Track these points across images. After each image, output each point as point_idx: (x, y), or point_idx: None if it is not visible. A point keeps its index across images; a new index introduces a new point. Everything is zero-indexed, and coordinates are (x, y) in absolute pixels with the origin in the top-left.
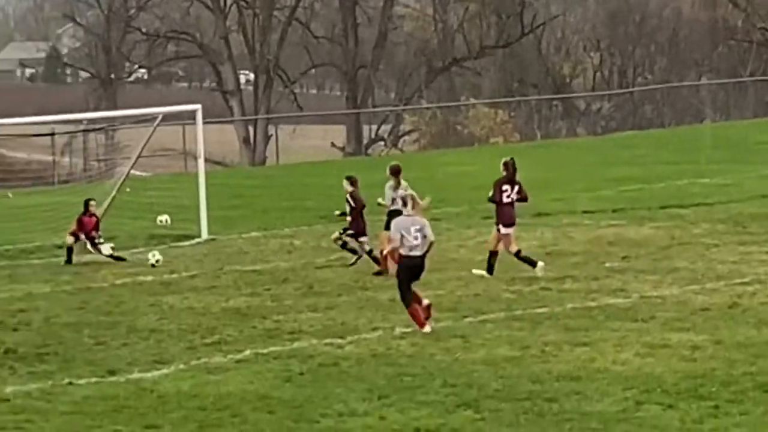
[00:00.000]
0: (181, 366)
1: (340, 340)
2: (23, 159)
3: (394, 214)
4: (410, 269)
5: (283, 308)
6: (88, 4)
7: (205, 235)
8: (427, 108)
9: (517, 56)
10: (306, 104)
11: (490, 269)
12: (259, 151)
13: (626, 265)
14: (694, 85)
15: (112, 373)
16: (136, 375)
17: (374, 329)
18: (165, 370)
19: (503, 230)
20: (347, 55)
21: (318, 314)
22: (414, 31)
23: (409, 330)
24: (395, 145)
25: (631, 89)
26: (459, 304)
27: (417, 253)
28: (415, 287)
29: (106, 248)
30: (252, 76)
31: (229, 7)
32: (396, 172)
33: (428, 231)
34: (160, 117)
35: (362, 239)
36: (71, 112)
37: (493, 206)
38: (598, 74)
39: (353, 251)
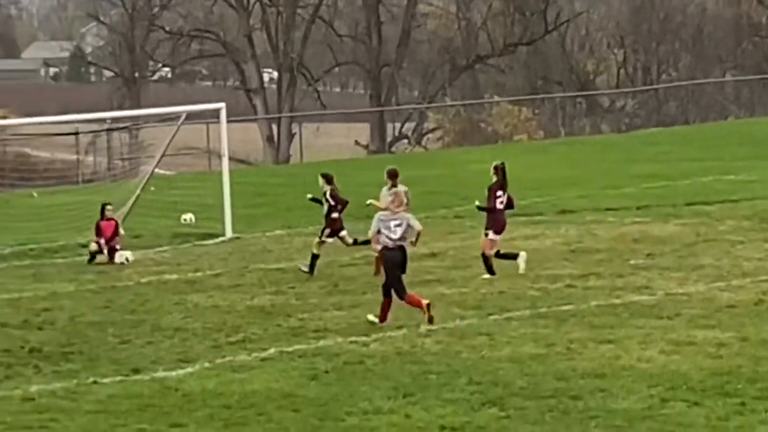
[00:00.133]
0: (206, 364)
1: (365, 338)
2: (47, 158)
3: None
4: (392, 261)
5: (308, 306)
6: (112, 3)
7: (229, 233)
8: (451, 106)
9: (541, 53)
10: (329, 102)
11: (490, 271)
12: (282, 149)
13: (651, 263)
14: (718, 82)
15: (136, 371)
16: (160, 373)
17: (399, 327)
18: (190, 369)
19: (493, 236)
20: (371, 53)
21: (343, 312)
22: (437, 29)
23: (434, 328)
24: (419, 143)
25: (655, 86)
26: (484, 301)
27: (396, 245)
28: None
29: (120, 257)
30: (275, 74)
31: (253, 6)
32: (393, 175)
33: (413, 222)
34: (183, 116)
35: (342, 234)
36: (95, 111)
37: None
38: (622, 71)
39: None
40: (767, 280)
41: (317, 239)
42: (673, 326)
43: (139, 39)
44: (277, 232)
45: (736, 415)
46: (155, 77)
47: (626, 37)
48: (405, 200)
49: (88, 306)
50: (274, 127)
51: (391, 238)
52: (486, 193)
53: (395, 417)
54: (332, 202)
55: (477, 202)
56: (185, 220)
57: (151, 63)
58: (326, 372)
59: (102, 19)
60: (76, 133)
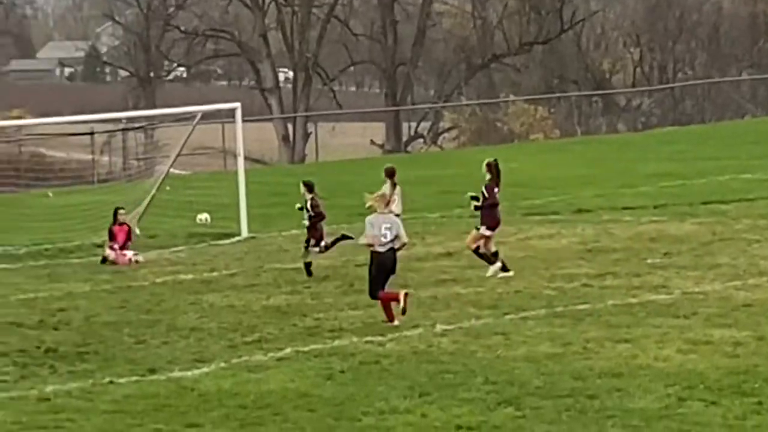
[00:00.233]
0: (222, 364)
1: (380, 338)
2: (63, 158)
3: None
4: (381, 265)
5: (323, 306)
6: (127, 2)
7: (245, 233)
8: (467, 105)
9: (556, 52)
10: (345, 102)
11: (504, 267)
12: (298, 148)
13: (668, 262)
14: (734, 81)
15: (152, 371)
16: (176, 373)
17: (415, 327)
18: (206, 369)
19: (488, 232)
20: (386, 53)
21: (359, 312)
22: (453, 28)
23: (450, 327)
24: (434, 143)
25: (671, 85)
26: (500, 301)
27: (385, 249)
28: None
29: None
30: (291, 73)
31: (268, 5)
32: (391, 174)
33: (401, 231)
34: (199, 115)
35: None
36: (110, 111)
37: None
38: (638, 70)
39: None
40: None
41: (303, 250)
42: (690, 325)
43: (155, 39)
44: (293, 231)
45: (753, 414)
46: (170, 77)
47: (642, 36)
48: (391, 200)
49: (103, 306)
50: (290, 126)
51: (381, 241)
52: (483, 191)
53: (411, 417)
54: (312, 213)
55: (470, 193)
56: (201, 219)
57: (166, 63)
58: (342, 372)
59: (117, 18)
60: (92, 133)
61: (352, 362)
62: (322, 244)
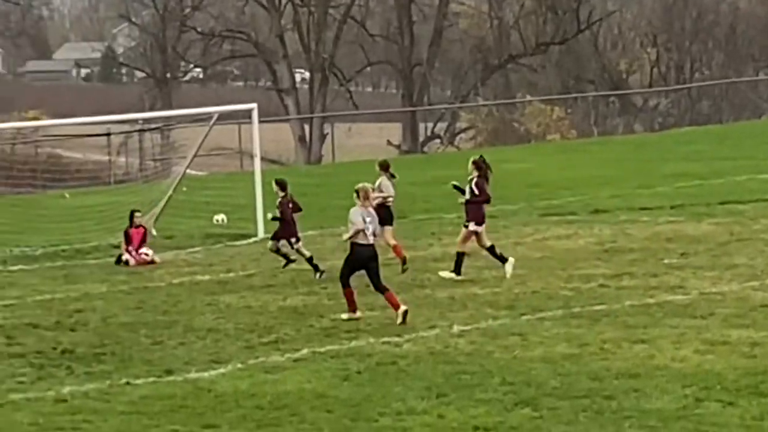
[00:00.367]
0: (239, 365)
1: (397, 339)
2: (79, 159)
3: (380, 208)
4: (359, 259)
5: (340, 307)
6: (143, 3)
7: (261, 234)
8: (483, 105)
9: (573, 52)
10: (361, 102)
11: (502, 260)
12: (314, 149)
13: (685, 262)
14: (752, 81)
15: (169, 372)
16: (193, 374)
17: (432, 327)
18: (222, 370)
19: (476, 228)
20: (403, 53)
21: (375, 313)
22: (470, 28)
23: (467, 328)
24: (451, 143)
25: (688, 85)
26: (516, 301)
27: (367, 242)
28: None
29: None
30: (307, 74)
31: (285, 6)
32: (385, 167)
33: (376, 225)
34: (215, 116)
35: (298, 245)
36: (127, 111)
37: (467, 203)
38: (655, 70)
39: (285, 256)
40: None
41: (292, 249)
42: (707, 326)
43: (171, 40)
44: (310, 232)
45: None
46: (187, 78)
47: (659, 36)
48: (371, 195)
49: (120, 307)
50: (306, 127)
51: (367, 231)
52: (473, 188)
53: (428, 417)
54: (277, 214)
55: (454, 182)
56: (217, 220)
57: (182, 64)
58: (359, 372)
59: (133, 19)
60: (108, 134)
61: (368, 363)
62: (294, 240)
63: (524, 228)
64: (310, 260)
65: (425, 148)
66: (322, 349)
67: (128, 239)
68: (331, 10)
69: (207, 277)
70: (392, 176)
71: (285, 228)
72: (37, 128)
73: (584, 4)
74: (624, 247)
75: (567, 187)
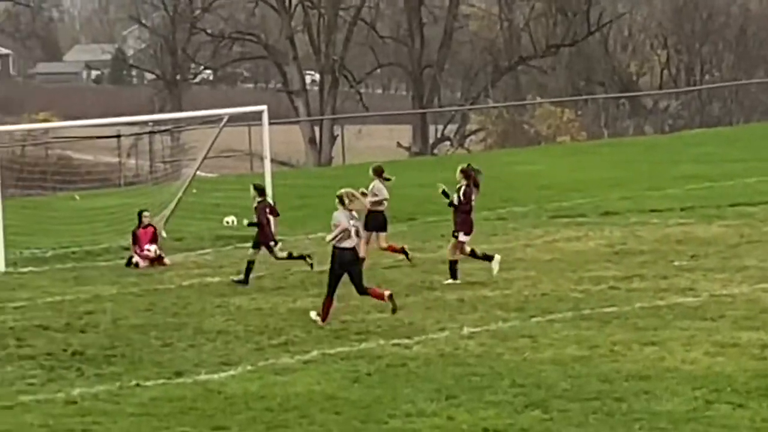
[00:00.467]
0: (249, 367)
1: (407, 341)
2: (90, 161)
3: (374, 214)
4: (342, 263)
5: (350, 309)
6: (154, 5)
7: None
8: (493, 107)
9: (583, 54)
10: (371, 104)
11: (487, 258)
12: (324, 151)
13: (695, 264)
14: (762, 82)
15: (179, 374)
16: (203, 376)
17: (442, 329)
18: (232, 372)
19: (464, 238)
20: (413, 55)
21: (385, 315)
22: (480, 30)
23: (477, 330)
24: (461, 145)
25: (698, 87)
26: (526, 303)
27: (349, 245)
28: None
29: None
30: (317, 76)
31: (295, 8)
32: (379, 172)
33: (360, 227)
34: (225, 118)
35: (269, 247)
36: (137, 113)
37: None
38: (665, 72)
39: (296, 257)
40: None
41: (269, 253)
42: (718, 328)
43: (181, 41)
44: (320, 234)
45: None
46: (197, 80)
47: (669, 38)
48: (358, 198)
49: (130, 309)
50: (316, 129)
51: (352, 233)
52: (459, 196)
53: (438, 419)
54: (254, 219)
55: (443, 187)
56: (227, 222)
57: (192, 65)
58: (369, 374)
59: (143, 21)
60: (118, 136)
61: (378, 365)
62: (273, 245)
63: (534, 230)
64: (290, 257)
65: (435, 150)
66: (332, 351)
67: (135, 239)
68: (341, 12)
69: (217, 279)
70: (386, 179)
71: (262, 233)
72: (47, 130)
73: (594, 6)
74: (634, 249)
75: (577, 189)
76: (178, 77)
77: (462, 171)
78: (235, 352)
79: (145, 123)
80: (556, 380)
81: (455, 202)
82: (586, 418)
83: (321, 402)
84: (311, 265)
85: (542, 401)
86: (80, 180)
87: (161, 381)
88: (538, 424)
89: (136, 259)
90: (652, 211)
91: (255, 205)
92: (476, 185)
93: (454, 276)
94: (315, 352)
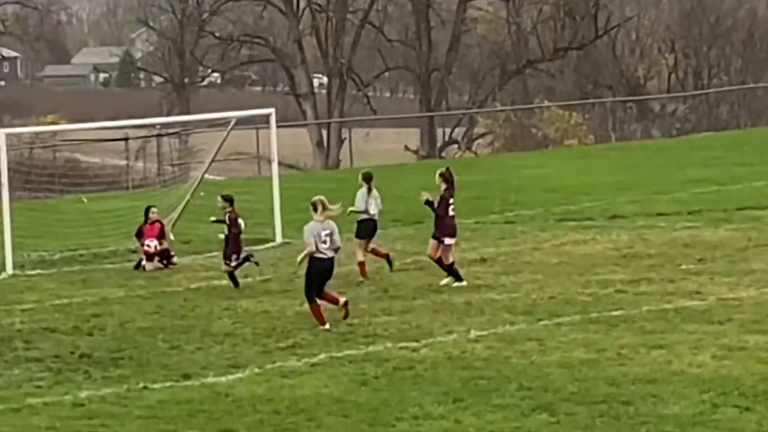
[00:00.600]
0: (256, 370)
1: (415, 344)
2: (97, 164)
3: (365, 222)
4: (320, 272)
5: (357, 312)
6: (162, 8)
7: (279, 238)
8: (501, 110)
9: (591, 58)
10: (379, 107)
11: (448, 272)
12: (332, 154)
13: (702, 268)
14: None
15: (186, 377)
16: (210, 379)
17: (449, 332)
18: (240, 374)
19: (448, 241)
20: (420, 58)
21: (393, 318)
22: (487, 34)
23: (484, 333)
24: (469, 148)
25: (706, 91)
26: (534, 307)
27: (325, 256)
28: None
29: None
30: (325, 79)
31: (303, 11)
32: (368, 179)
33: (336, 237)
34: (233, 121)
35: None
36: (145, 116)
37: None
38: (673, 76)
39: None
40: None
41: (224, 267)
42: (725, 331)
43: (189, 44)
44: None
45: None
46: (205, 83)
47: (677, 42)
48: (329, 207)
49: (138, 311)
50: (324, 132)
51: (321, 249)
52: (438, 200)
53: (445, 423)
54: (228, 226)
55: (427, 197)
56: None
57: (200, 68)
58: (376, 377)
59: (152, 24)
60: (126, 139)
61: (386, 368)
62: (233, 258)
63: (541, 233)
64: (237, 266)
65: (443, 154)
66: (340, 354)
67: (140, 233)
68: (349, 16)
69: (224, 282)
70: (370, 189)
71: (228, 244)
72: (55, 133)
73: (602, 10)
74: (641, 252)
75: (584, 193)
76: (186, 80)
77: (441, 175)
78: (243, 354)
79: (153, 126)
80: (564, 383)
81: (431, 200)
82: (593, 421)
83: (328, 405)
84: (256, 263)
85: (549, 404)
86: (88, 183)
87: (169, 384)
88: (545, 427)
89: (143, 261)
90: (660, 214)
91: (227, 215)
92: (453, 189)
93: (457, 278)
94: (322, 355)
